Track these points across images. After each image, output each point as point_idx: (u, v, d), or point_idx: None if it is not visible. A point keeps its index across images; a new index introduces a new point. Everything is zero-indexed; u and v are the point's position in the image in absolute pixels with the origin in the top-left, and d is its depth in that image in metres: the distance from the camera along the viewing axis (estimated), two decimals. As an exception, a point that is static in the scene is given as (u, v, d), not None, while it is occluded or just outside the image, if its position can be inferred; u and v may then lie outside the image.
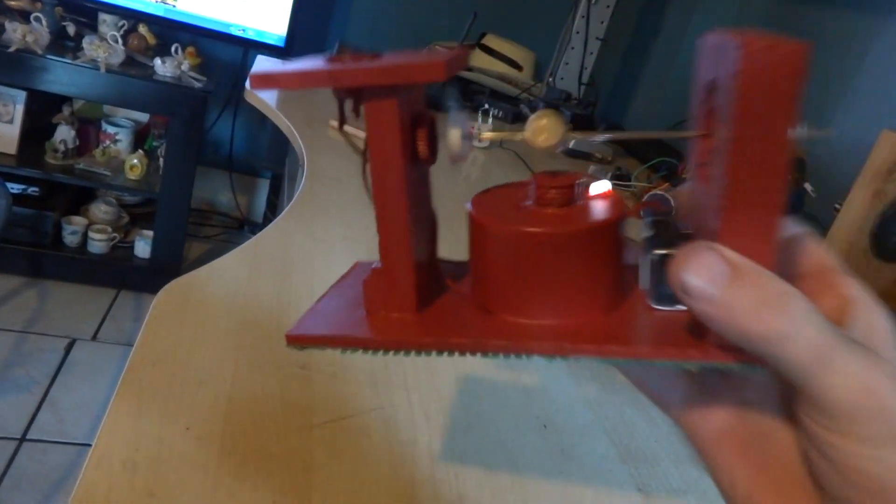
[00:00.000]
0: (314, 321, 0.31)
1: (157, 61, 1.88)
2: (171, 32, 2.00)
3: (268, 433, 0.44)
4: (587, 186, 0.28)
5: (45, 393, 1.68)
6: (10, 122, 1.90)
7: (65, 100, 2.01)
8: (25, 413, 1.61)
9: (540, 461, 0.49)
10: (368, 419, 0.48)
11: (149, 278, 2.06)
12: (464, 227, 0.28)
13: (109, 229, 2.09)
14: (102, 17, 1.91)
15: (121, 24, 1.91)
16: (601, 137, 0.31)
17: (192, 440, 0.42)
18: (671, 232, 0.26)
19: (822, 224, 1.31)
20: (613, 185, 0.28)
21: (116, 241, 2.11)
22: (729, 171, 0.21)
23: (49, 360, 1.79)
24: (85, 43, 1.80)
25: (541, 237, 0.27)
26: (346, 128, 0.29)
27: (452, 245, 0.33)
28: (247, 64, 2.10)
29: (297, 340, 0.30)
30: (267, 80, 0.27)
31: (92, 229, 2.06)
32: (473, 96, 1.67)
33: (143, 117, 2.18)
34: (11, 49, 1.69)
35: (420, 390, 0.53)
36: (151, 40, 1.98)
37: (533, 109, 1.63)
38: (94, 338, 1.92)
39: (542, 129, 0.26)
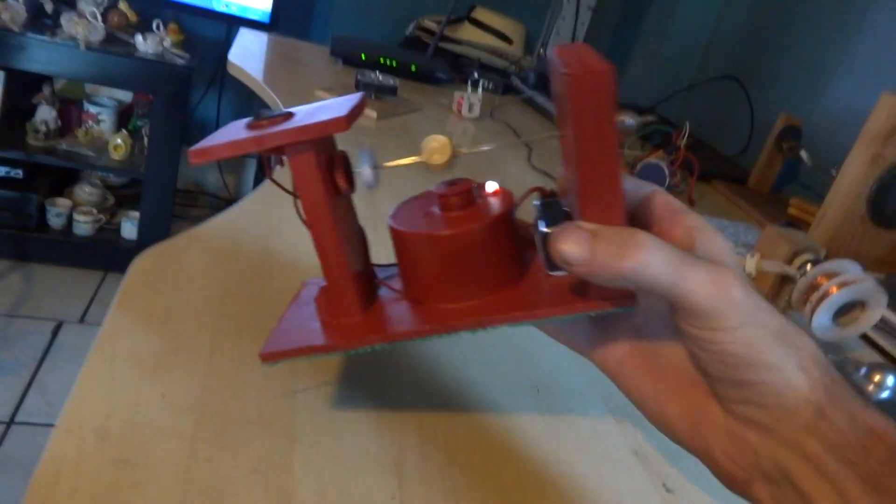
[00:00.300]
0: (280, 339, 0.36)
1: (139, 38, 1.84)
2: (153, 8, 1.95)
3: (248, 399, 0.42)
4: (482, 186, 0.35)
5: (33, 376, 1.66)
6: (-11, 102, 1.86)
7: (44, 79, 1.96)
8: (13, 396, 1.59)
9: (533, 425, 0.47)
10: (352, 385, 0.47)
11: (136, 260, 2.03)
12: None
13: (95, 211, 2.05)
14: (81, -8, 1.87)
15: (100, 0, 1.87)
16: (486, 147, 0.36)
17: (167, 407, 0.40)
18: (555, 211, 0.32)
19: (818, 193, 1.29)
20: None
21: (102, 223, 2.08)
22: (577, 162, 0.27)
23: (36, 343, 1.76)
24: (63, 20, 1.75)
25: (450, 238, 0.32)
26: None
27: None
28: (231, 40, 2.05)
29: (270, 357, 0.36)
30: (204, 154, 0.32)
31: (77, 211, 2.02)
32: (462, 68, 1.64)
33: (126, 97, 2.13)
34: (-13, 26, 1.65)
35: (409, 355, 0.51)
36: (132, 17, 1.93)
37: (524, 80, 1.60)
38: (82, 320, 1.90)
39: (434, 150, 0.32)
